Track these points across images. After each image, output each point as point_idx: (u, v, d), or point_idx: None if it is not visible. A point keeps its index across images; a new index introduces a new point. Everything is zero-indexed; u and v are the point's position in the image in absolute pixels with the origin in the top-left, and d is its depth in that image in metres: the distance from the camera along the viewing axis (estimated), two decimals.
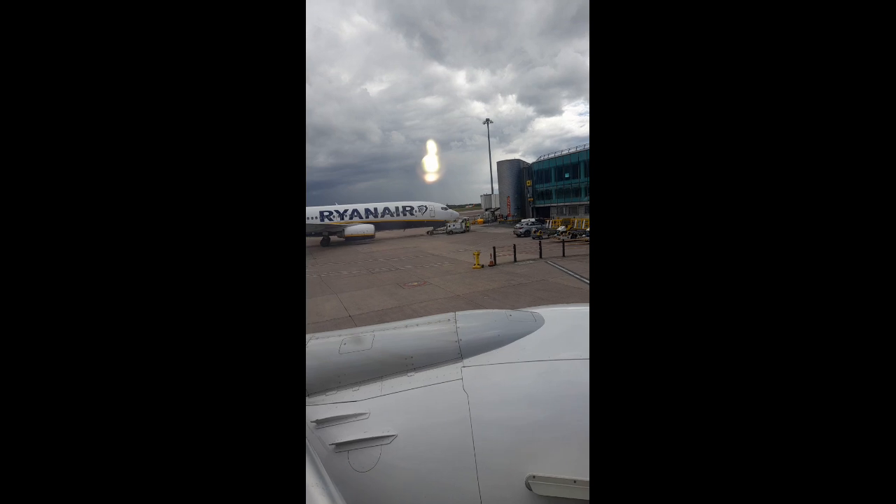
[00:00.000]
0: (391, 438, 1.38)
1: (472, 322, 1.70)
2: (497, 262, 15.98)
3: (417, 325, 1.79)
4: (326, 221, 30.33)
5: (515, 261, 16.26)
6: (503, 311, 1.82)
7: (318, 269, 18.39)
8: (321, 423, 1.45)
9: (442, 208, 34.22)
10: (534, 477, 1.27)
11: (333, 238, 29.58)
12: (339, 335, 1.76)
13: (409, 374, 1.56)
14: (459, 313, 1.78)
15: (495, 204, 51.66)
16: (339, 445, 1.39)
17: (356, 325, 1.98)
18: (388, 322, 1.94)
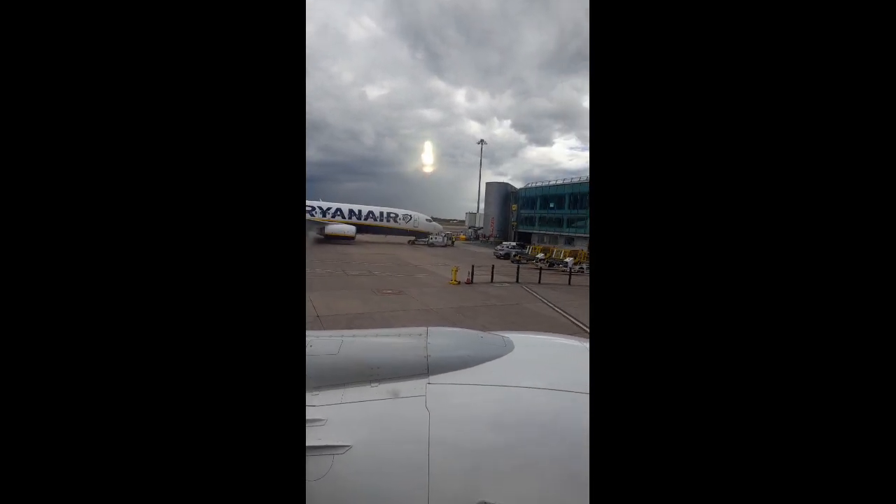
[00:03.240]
0: (346, 449, 1.34)
1: (444, 339, 1.70)
2: (474, 280, 16.06)
3: (388, 335, 1.77)
4: (308, 217, 29.77)
5: (492, 281, 16.40)
6: (476, 331, 1.82)
7: None
8: None
9: (426, 220, 34.29)
10: (485, 503, 1.26)
11: (313, 235, 28.99)
12: (307, 336, 1.72)
13: (372, 385, 1.53)
14: (432, 328, 1.77)
15: (479, 223, 52.25)
16: None
17: (323, 327, 1.94)
18: (356, 329, 1.91)
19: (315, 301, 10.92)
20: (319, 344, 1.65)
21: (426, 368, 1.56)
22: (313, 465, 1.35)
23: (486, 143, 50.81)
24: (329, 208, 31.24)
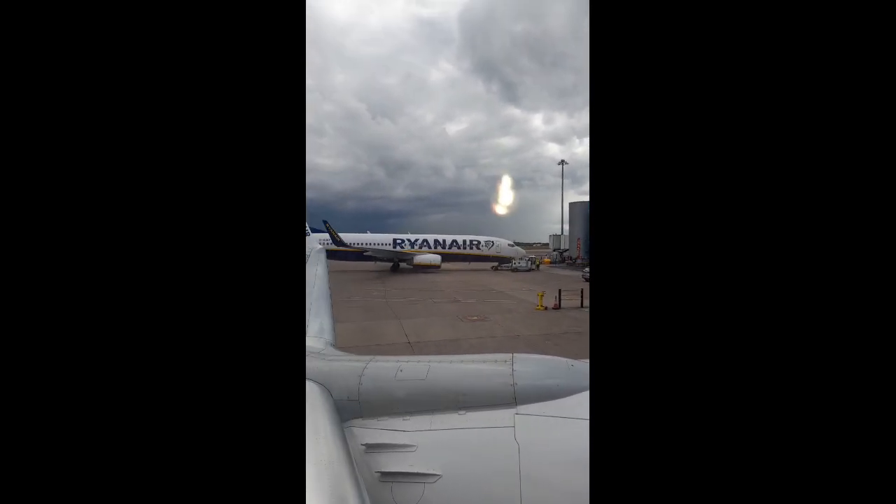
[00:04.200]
0: (436, 478, 1.35)
1: (531, 367, 1.63)
2: (562, 305, 15.18)
3: (473, 361, 1.77)
4: (398, 249, 31.89)
5: (581, 306, 15.30)
6: (565, 359, 1.72)
7: (386, 293, 19.21)
8: (371, 447, 1.47)
9: (508, 245, 33.98)
10: None
11: (403, 265, 30.87)
12: (398, 361, 1.81)
13: (459, 413, 1.53)
14: (518, 355, 1.72)
15: (564, 245, 49.77)
16: (385, 475, 1.39)
17: (414, 353, 2.02)
18: (444, 354, 1.95)
19: (406, 328, 11.45)
20: (409, 368, 1.72)
21: (513, 398, 1.51)
22: (404, 493, 1.38)
23: (566, 164, 49.13)
24: (416, 240, 33.12)
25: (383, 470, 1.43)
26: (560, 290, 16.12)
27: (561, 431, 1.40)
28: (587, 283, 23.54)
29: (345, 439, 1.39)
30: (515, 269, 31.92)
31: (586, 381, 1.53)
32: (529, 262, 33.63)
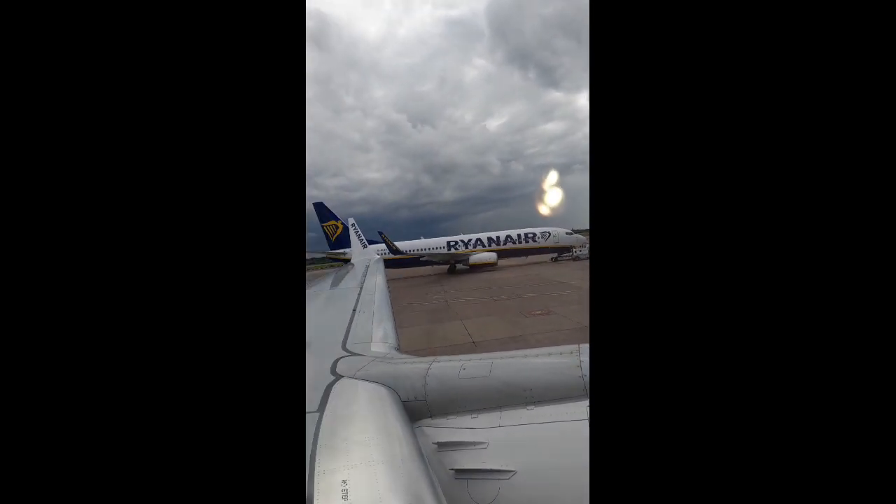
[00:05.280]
0: (511, 474, 1.33)
1: None
2: None
3: (538, 355, 1.71)
4: (452, 251, 32.20)
5: None
6: None
7: (445, 295, 19.49)
8: (443, 446, 1.49)
9: (566, 233, 32.60)
10: None
11: (459, 266, 31.09)
12: (460, 360, 1.81)
13: (528, 408, 1.49)
14: (585, 346, 1.64)
15: None
16: (459, 472, 1.40)
17: (479, 352, 2.01)
18: (508, 349, 1.92)
19: (469, 328, 11.49)
20: (472, 367, 1.72)
21: (584, 389, 1.43)
22: (480, 490, 1.37)
23: None
24: (470, 240, 33.18)
25: (457, 467, 1.43)
26: None
27: None
28: None
29: (416, 438, 1.42)
30: (577, 258, 30.54)
31: None
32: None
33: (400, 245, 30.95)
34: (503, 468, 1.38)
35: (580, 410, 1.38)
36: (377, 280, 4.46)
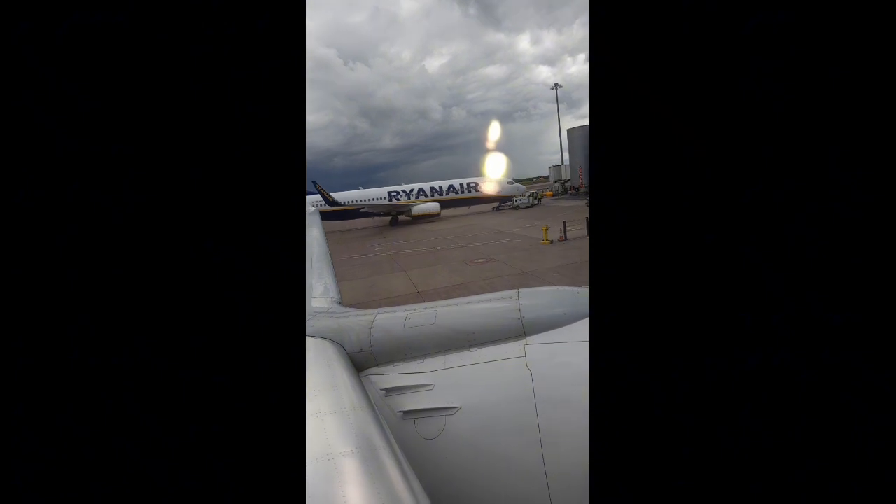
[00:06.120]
0: (455, 410, 1.42)
1: (537, 299, 1.65)
2: (568, 236, 15.23)
3: (480, 301, 1.78)
4: (394, 201, 31.48)
5: (588, 235, 15.34)
6: (571, 288, 1.72)
7: (388, 247, 19.34)
8: (389, 391, 1.53)
9: (508, 182, 33.35)
10: None
11: (401, 217, 30.68)
12: (404, 310, 1.83)
13: (471, 350, 1.56)
14: (523, 290, 1.73)
15: (566, 175, 48.76)
16: (407, 413, 1.46)
17: (424, 301, 2.04)
18: (452, 298, 1.97)
19: (413, 278, 11.67)
20: (417, 316, 1.74)
21: (522, 330, 1.53)
22: (427, 427, 1.45)
23: (561, 87, 46.41)
24: (412, 190, 32.56)
25: (405, 409, 1.49)
26: (564, 222, 16.09)
27: (569, 355, 1.44)
28: None
29: (363, 387, 1.43)
30: (517, 207, 31.71)
31: None
32: (531, 198, 33.24)
33: (337, 196, 29.43)
34: (448, 405, 1.46)
35: (518, 349, 1.48)
36: (314, 233, 4.23)
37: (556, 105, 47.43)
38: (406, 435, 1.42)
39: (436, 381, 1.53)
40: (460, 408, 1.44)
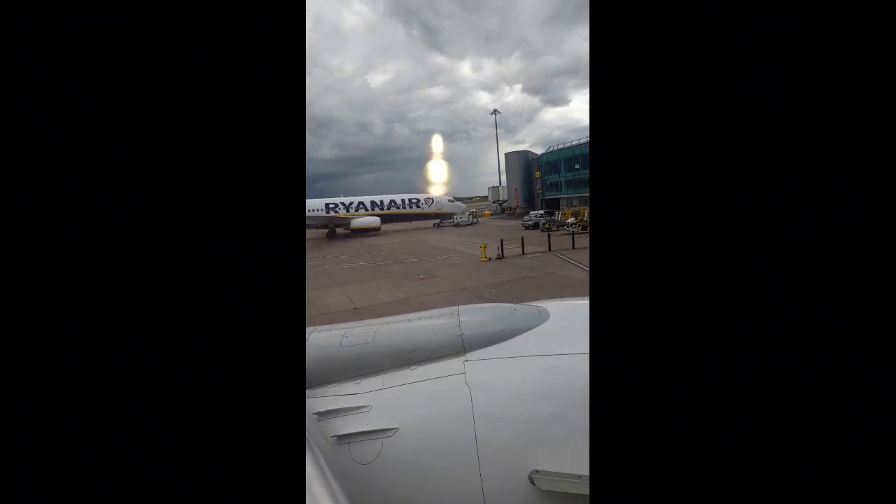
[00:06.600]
0: (393, 431, 1.37)
1: (476, 316, 1.68)
2: (505, 254, 15.92)
3: (420, 318, 1.77)
4: (332, 214, 30.41)
5: (524, 253, 16.18)
6: (508, 304, 1.79)
7: (325, 261, 18.51)
8: (322, 415, 1.44)
9: (448, 200, 34.11)
10: (537, 471, 1.25)
11: (339, 230, 29.67)
12: (341, 328, 1.75)
13: (410, 368, 1.54)
14: (463, 307, 1.76)
15: (503, 196, 51.33)
16: (341, 437, 1.38)
17: (362, 318, 1.96)
18: (392, 315, 1.93)
19: (351, 294, 11.26)
20: (354, 334, 1.67)
21: (462, 347, 1.54)
22: (362, 451, 1.39)
23: (499, 113, 49.30)
24: (352, 203, 31.79)
25: (339, 433, 1.41)
26: (502, 241, 16.81)
27: (507, 369, 1.48)
28: (527, 231, 24.80)
29: None
30: (457, 224, 32.47)
31: (530, 322, 1.61)
32: (471, 216, 34.29)
33: None
34: (386, 427, 1.42)
35: (457, 366, 1.49)
36: None
37: (494, 129, 50.14)
38: (340, 460, 1.34)
39: (373, 402, 1.48)
40: (398, 429, 1.40)
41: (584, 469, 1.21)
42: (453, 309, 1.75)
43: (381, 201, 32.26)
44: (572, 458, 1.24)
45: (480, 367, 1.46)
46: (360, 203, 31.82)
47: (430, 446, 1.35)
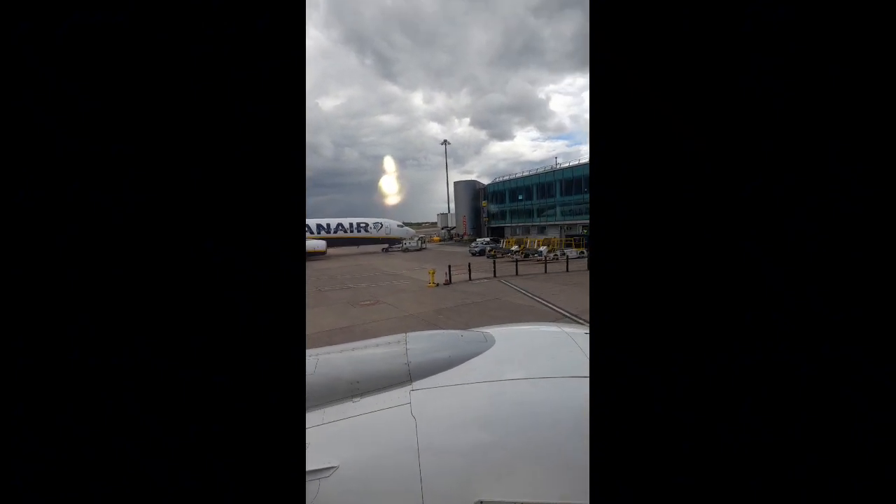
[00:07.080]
0: (331, 471, 1.29)
1: (423, 343, 1.67)
2: (452, 280, 16.08)
3: (366, 346, 1.71)
4: None
5: (470, 279, 16.48)
6: (455, 331, 1.80)
7: None
8: None
9: (398, 226, 34.02)
10: (482, 502, 1.24)
11: None
12: None
13: (354, 400, 1.47)
14: (410, 334, 1.74)
15: (451, 223, 52.46)
16: None
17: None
18: (335, 344, 1.85)
19: None
20: None
21: (408, 375, 1.52)
22: None
23: (449, 143, 51.18)
24: None
25: None
26: (450, 266, 17.00)
27: (453, 397, 1.47)
28: (474, 258, 25.41)
29: None
30: (406, 250, 32.32)
31: (475, 348, 1.64)
32: (419, 242, 34.39)
33: None
34: (323, 466, 1.33)
35: (403, 396, 1.46)
36: None
37: (444, 158, 51.72)
38: None
39: (311, 440, 1.38)
40: (337, 467, 1.32)
41: (528, 496, 1.22)
42: (400, 336, 1.72)
43: (328, 224, 31.24)
44: (516, 486, 1.25)
45: (426, 396, 1.44)
46: (306, 226, 30.59)
47: (372, 484, 1.29)
